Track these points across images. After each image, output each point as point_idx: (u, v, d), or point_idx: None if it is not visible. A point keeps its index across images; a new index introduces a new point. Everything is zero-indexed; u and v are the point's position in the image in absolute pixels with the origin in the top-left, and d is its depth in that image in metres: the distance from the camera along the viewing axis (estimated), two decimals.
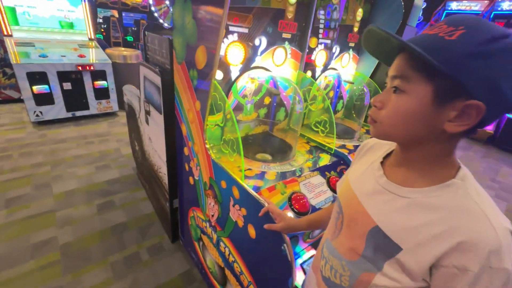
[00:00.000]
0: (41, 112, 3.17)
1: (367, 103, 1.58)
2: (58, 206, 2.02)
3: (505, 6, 5.28)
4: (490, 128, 4.30)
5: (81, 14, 3.58)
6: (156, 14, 7.68)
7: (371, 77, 1.76)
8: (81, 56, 3.35)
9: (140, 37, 7.49)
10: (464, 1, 5.82)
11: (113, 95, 3.64)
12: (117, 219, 1.96)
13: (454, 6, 5.97)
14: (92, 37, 3.76)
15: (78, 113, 3.47)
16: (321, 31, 1.43)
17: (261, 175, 1.08)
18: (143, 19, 7.69)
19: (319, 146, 1.40)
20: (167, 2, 7.48)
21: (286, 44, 1.30)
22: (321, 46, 1.48)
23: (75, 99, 3.37)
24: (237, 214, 0.99)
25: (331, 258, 0.60)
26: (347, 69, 1.75)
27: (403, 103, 0.43)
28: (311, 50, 1.46)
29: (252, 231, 0.93)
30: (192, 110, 1.14)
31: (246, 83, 1.27)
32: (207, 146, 1.08)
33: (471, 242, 0.38)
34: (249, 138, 1.39)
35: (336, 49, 1.60)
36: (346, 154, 1.30)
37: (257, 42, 1.18)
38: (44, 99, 3.13)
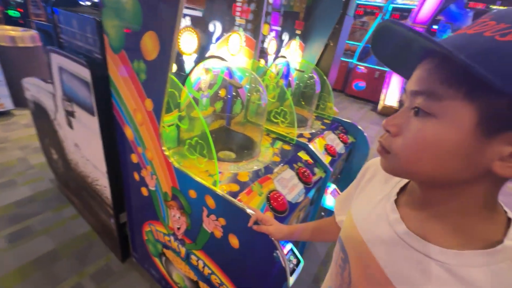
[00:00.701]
0: None
1: (319, 91, 1.63)
2: None
3: (399, 0, 6.26)
4: (394, 104, 5.18)
5: None
6: None
7: (316, 64, 1.83)
8: None
9: (30, 12, 5.94)
10: None
11: (3, 89, 2.80)
12: (42, 248, 1.56)
13: None
14: None
15: None
16: (273, 16, 1.37)
17: (233, 178, 0.99)
18: None
19: (280, 138, 1.38)
20: None
21: (241, 31, 1.20)
22: (273, 34, 1.43)
23: None
24: (213, 225, 0.89)
25: None
26: (294, 57, 1.76)
27: (431, 131, 0.31)
28: (264, 38, 1.39)
29: (234, 241, 0.85)
30: (141, 110, 0.95)
31: (201, 75, 1.12)
32: (166, 152, 0.92)
33: None
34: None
35: (285, 36, 1.58)
36: (307, 143, 1.33)
37: (211, 28, 1.04)
38: None
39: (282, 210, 0.95)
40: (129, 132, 1.06)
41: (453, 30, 5.26)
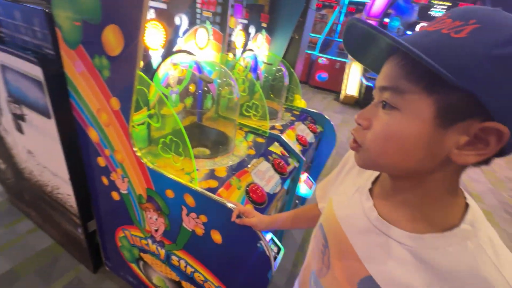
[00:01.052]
0: None
1: (287, 83, 1.67)
2: None
3: None
4: (354, 93, 5.51)
5: None
6: None
7: (283, 57, 1.86)
8: None
9: None
10: None
11: None
12: None
13: None
14: None
15: None
16: (239, 9, 1.35)
17: (211, 174, 0.98)
18: None
19: (253, 131, 1.40)
20: None
21: (208, 24, 1.17)
22: (240, 27, 1.42)
23: None
24: (194, 223, 0.88)
25: None
26: (261, 50, 1.77)
27: (395, 123, 0.33)
28: (231, 31, 1.37)
29: (217, 237, 0.85)
30: (106, 110, 0.88)
31: (169, 70, 1.08)
32: (138, 153, 0.88)
33: None
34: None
35: (252, 29, 1.58)
36: (279, 134, 1.36)
37: (177, 21, 1.00)
38: None
39: (261, 202, 0.97)
40: (93, 134, 0.98)
41: (401, 23, 5.72)
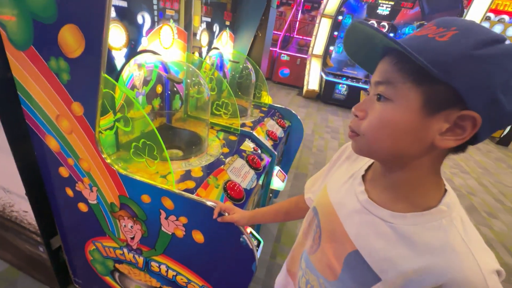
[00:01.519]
0: None
1: (254, 80, 1.70)
2: None
3: None
4: (316, 88, 5.78)
5: None
6: None
7: (248, 55, 1.89)
8: None
9: None
10: None
11: None
12: None
13: None
14: None
15: None
16: (202, 7, 1.34)
17: (187, 175, 0.97)
18: None
19: (224, 129, 1.41)
20: None
21: (172, 23, 1.14)
22: (204, 25, 1.41)
23: None
24: (173, 226, 0.87)
25: (308, 272, 0.57)
26: (226, 48, 1.77)
27: (389, 112, 0.38)
28: (195, 30, 1.35)
29: (199, 236, 0.86)
30: (67, 116, 0.82)
31: (133, 71, 1.04)
32: (108, 160, 0.84)
33: (457, 285, 0.36)
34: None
35: (216, 28, 1.57)
36: (251, 131, 1.39)
37: (140, 19, 0.96)
38: None
39: (239, 198, 0.99)
40: (52, 143, 0.91)
41: (353, 20, 6.14)
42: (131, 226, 0.96)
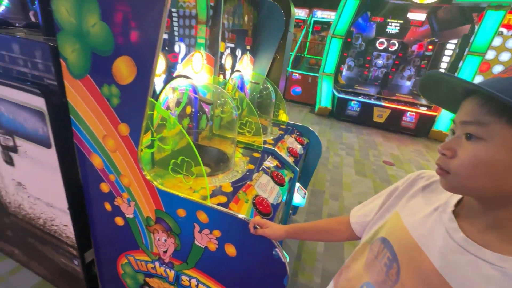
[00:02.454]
0: None
1: (274, 100, 1.78)
2: None
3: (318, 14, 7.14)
4: (328, 105, 5.84)
5: None
6: None
7: (267, 76, 1.99)
8: None
9: None
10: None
11: None
12: None
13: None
14: None
15: None
16: (227, 35, 1.46)
17: (219, 190, 1.03)
18: None
19: (248, 147, 1.47)
20: None
21: (202, 49, 1.25)
22: (228, 50, 1.52)
23: None
24: (207, 239, 0.91)
25: None
26: (247, 70, 1.88)
27: (483, 152, 0.38)
28: (221, 55, 1.46)
29: (231, 250, 0.89)
30: (114, 136, 0.91)
31: (168, 94, 1.13)
32: (148, 176, 0.91)
33: None
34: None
35: (238, 52, 1.69)
36: (273, 148, 1.44)
37: (176, 48, 1.07)
38: None
39: (268, 213, 1.02)
40: (97, 160, 0.99)
41: (362, 39, 6.28)
42: (165, 240, 1.01)
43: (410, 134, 5.31)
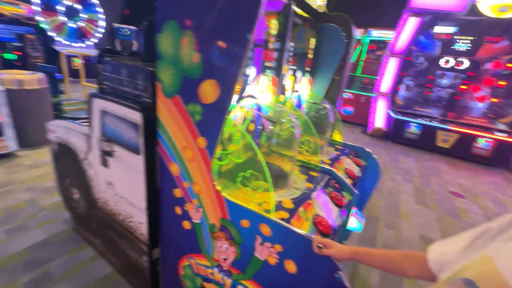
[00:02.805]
0: None
1: (332, 120, 1.78)
2: None
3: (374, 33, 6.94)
4: (384, 127, 5.50)
5: None
6: (47, 27, 6.43)
7: (324, 96, 2.01)
8: None
9: (29, 55, 6.10)
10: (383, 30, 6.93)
11: (8, 131, 2.79)
12: None
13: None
14: None
15: None
16: (290, 58, 1.54)
17: (279, 206, 1.06)
18: (30, 33, 6.30)
19: (305, 165, 1.49)
20: (61, 17, 6.35)
21: (268, 72, 1.35)
22: (290, 72, 1.60)
23: None
24: (267, 252, 0.94)
25: None
26: (304, 90, 1.93)
27: None
28: (283, 76, 1.55)
29: (291, 266, 0.90)
30: (192, 148, 1.03)
31: (236, 112, 1.24)
32: (218, 187, 0.99)
33: None
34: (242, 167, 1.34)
35: (298, 73, 1.76)
36: (330, 168, 1.43)
37: (248, 72, 1.18)
38: None
39: (328, 233, 1.01)
40: (175, 168, 1.13)
41: (424, 58, 5.85)
42: (226, 248, 1.07)
43: (484, 163, 4.63)
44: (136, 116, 1.10)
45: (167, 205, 1.23)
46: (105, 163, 1.37)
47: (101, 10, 7.48)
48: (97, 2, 7.39)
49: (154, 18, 1.23)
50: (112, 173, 1.36)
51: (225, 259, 1.09)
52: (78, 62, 6.85)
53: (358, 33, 7.37)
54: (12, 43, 6.13)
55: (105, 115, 1.26)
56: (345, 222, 1.44)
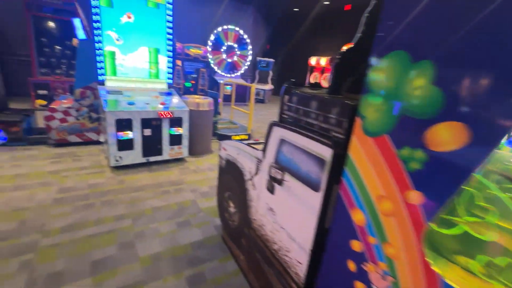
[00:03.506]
0: (120, 157, 3.17)
1: None
2: (145, 275, 1.74)
3: None
4: None
5: (163, 65, 3.78)
6: (211, 63, 8.45)
7: None
8: (162, 104, 3.42)
9: (199, 83, 8.26)
10: None
11: (185, 141, 3.60)
12: None
13: None
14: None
15: (152, 159, 3.43)
16: None
17: None
18: (203, 67, 8.45)
19: None
20: (223, 55, 8.22)
21: None
22: None
23: (152, 145, 3.37)
24: None
25: None
26: None
27: None
28: None
29: None
30: (394, 200, 0.83)
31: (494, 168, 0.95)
32: (434, 267, 0.74)
33: None
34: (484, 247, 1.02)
35: None
36: None
37: None
38: (126, 145, 3.15)
39: None
40: (359, 217, 0.96)
41: None
42: None
43: None
44: (324, 151, 1.03)
45: (336, 255, 1.08)
46: (271, 189, 1.39)
47: (251, 47, 9.11)
48: (249, 40, 9.04)
49: (347, 53, 1.16)
50: (276, 200, 1.36)
51: None
52: (228, 90, 8.58)
53: None
54: (191, 75, 8.32)
55: (283, 144, 1.28)
56: None
